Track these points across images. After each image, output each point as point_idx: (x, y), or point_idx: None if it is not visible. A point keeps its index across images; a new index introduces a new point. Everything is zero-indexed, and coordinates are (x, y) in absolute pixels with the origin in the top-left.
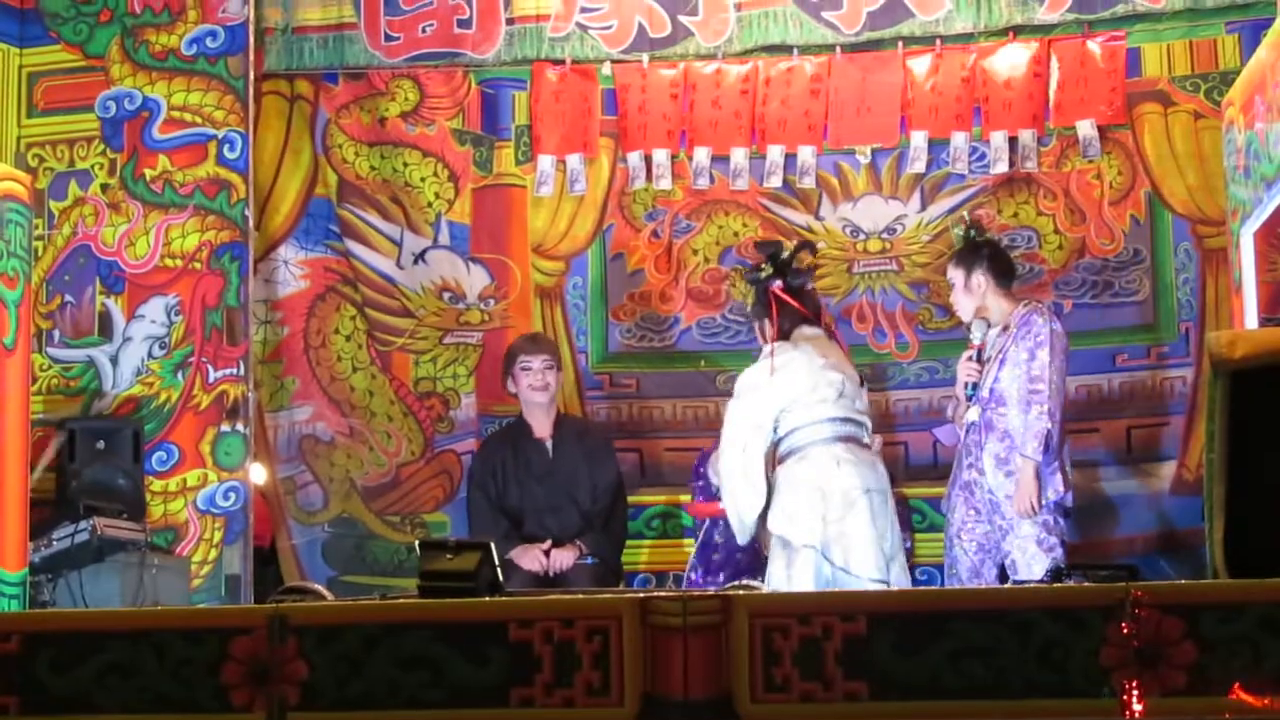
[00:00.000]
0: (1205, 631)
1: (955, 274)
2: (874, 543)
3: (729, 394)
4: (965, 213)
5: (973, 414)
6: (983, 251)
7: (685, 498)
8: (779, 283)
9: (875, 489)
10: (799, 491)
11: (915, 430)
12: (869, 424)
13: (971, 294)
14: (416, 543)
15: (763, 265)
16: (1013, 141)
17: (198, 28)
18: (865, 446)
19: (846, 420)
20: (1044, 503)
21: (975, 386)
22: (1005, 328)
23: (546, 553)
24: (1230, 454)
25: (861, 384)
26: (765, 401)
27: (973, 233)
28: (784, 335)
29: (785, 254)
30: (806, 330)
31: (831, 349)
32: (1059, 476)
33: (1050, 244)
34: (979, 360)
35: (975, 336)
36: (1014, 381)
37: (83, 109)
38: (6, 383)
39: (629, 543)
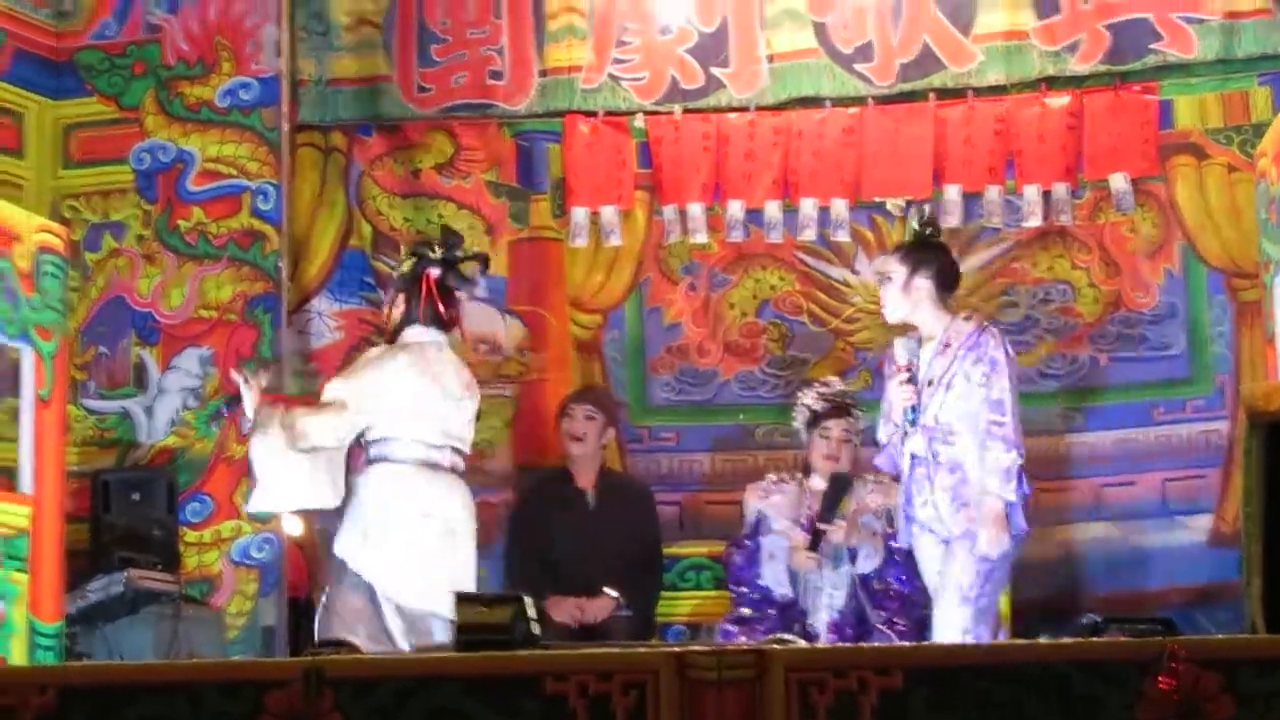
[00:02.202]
0: (1243, 686)
1: (896, 269)
2: (429, 573)
3: (769, 447)
4: (925, 208)
5: (917, 444)
6: (934, 253)
7: (722, 549)
8: (436, 271)
9: (439, 515)
10: (358, 506)
11: None
12: (460, 447)
13: (908, 296)
14: (452, 594)
15: (433, 247)
16: (1046, 194)
17: (231, 80)
18: (449, 470)
19: (430, 444)
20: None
21: (915, 411)
22: (946, 345)
23: (581, 605)
24: (1267, 507)
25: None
26: (357, 388)
27: (929, 230)
28: (404, 323)
29: (461, 252)
30: (422, 333)
31: (442, 361)
32: (1021, 513)
33: (1085, 298)
34: (914, 382)
35: (901, 357)
36: (965, 410)
37: (117, 161)
38: (43, 434)
39: (665, 594)
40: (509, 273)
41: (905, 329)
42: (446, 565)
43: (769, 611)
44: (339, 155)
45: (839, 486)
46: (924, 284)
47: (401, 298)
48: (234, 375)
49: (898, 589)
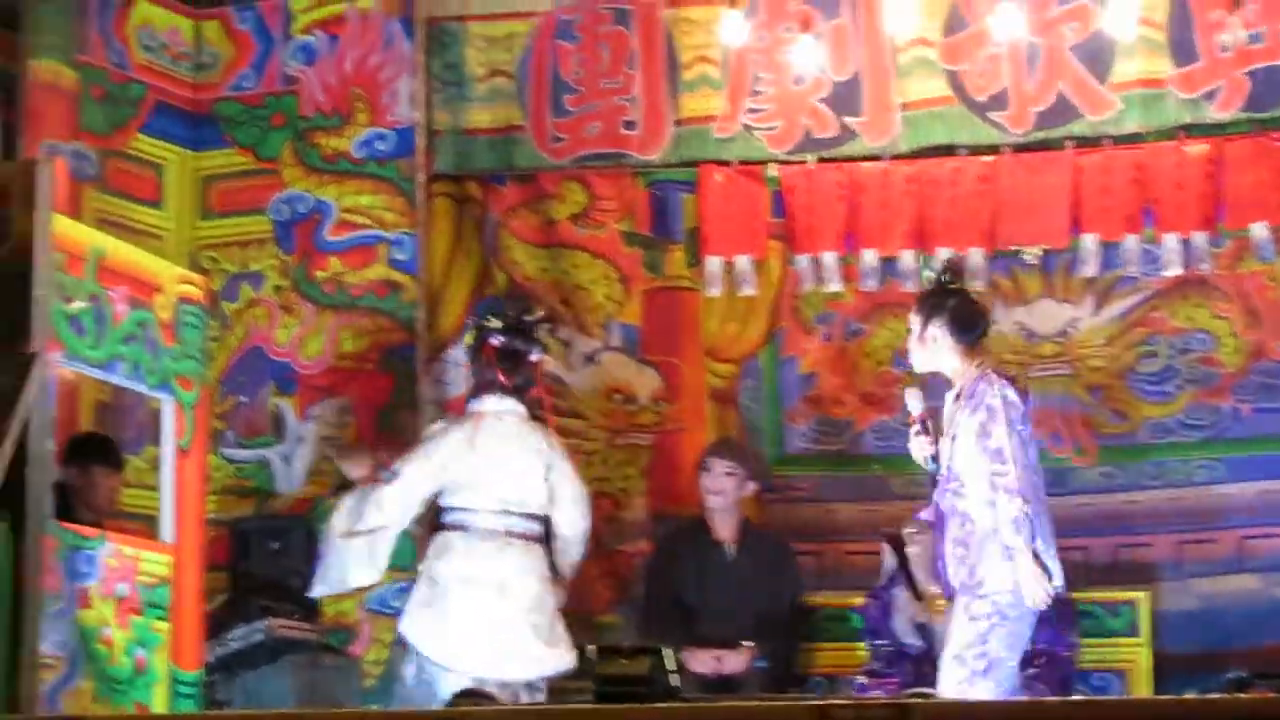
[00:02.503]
0: None
1: (914, 319)
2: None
3: (907, 497)
4: (950, 255)
5: (940, 495)
6: (948, 300)
7: (861, 600)
8: (501, 339)
9: (486, 579)
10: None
11: (1095, 536)
12: (517, 509)
13: (924, 346)
14: (592, 647)
15: (493, 316)
16: (1185, 243)
17: (368, 130)
18: (504, 535)
19: (488, 511)
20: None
21: (934, 462)
22: (958, 395)
23: (719, 656)
24: None
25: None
26: (416, 465)
27: (945, 276)
28: (470, 394)
29: (530, 316)
30: (487, 403)
31: (500, 430)
32: (1057, 563)
33: (1226, 347)
34: (927, 431)
35: (914, 408)
36: (969, 458)
37: (256, 211)
38: (183, 483)
39: (803, 645)
40: (643, 322)
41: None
42: (489, 627)
43: (903, 664)
44: (474, 205)
45: None
46: (937, 332)
47: (468, 370)
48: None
49: (1041, 647)
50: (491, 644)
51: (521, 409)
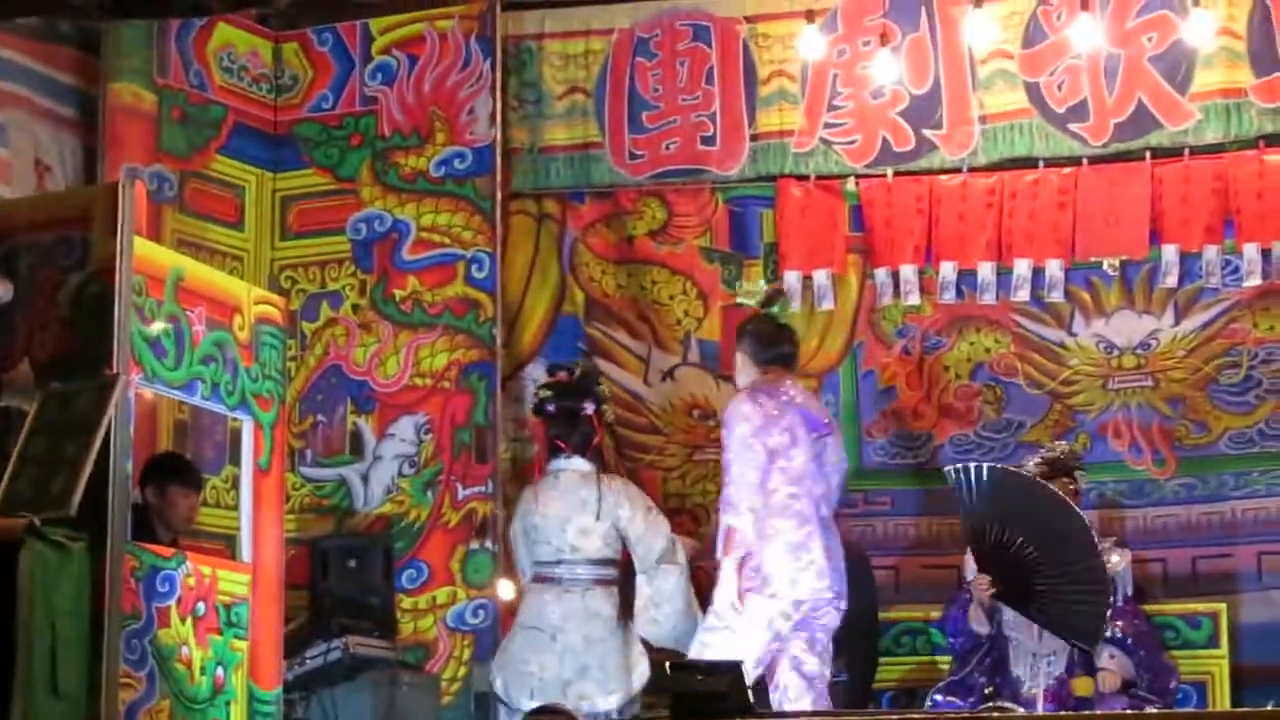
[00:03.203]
0: None
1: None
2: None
3: None
4: (767, 283)
5: None
6: (748, 324)
7: (938, 613)
8: (553, 406)
9: (541, 625)
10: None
11: (1174, 547)
12: (570, 557)
13: (739, 373)
14: (667, 664)
15: (541, 389)
16: (1266, 253)
17: (446, 149)
18: (557, 582)
19: (557, 563)
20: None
21: None
22: None
23: None
24: None
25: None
26: (512, 529)
27: (762, 301)
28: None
29: (575, 373)
30: (556, 463)
31: (557, 486)
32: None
33: None
34: None
35: None
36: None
37: (334, 231)
38: (262, 503)
39: (880, 659)
40: (722, 338)
41: None
42: (538, 669)
43: (979, 654)
44: (552, 223)
45: None
46: (740, 356)
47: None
48: None
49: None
50: (540, 685)
51: (582, 464)
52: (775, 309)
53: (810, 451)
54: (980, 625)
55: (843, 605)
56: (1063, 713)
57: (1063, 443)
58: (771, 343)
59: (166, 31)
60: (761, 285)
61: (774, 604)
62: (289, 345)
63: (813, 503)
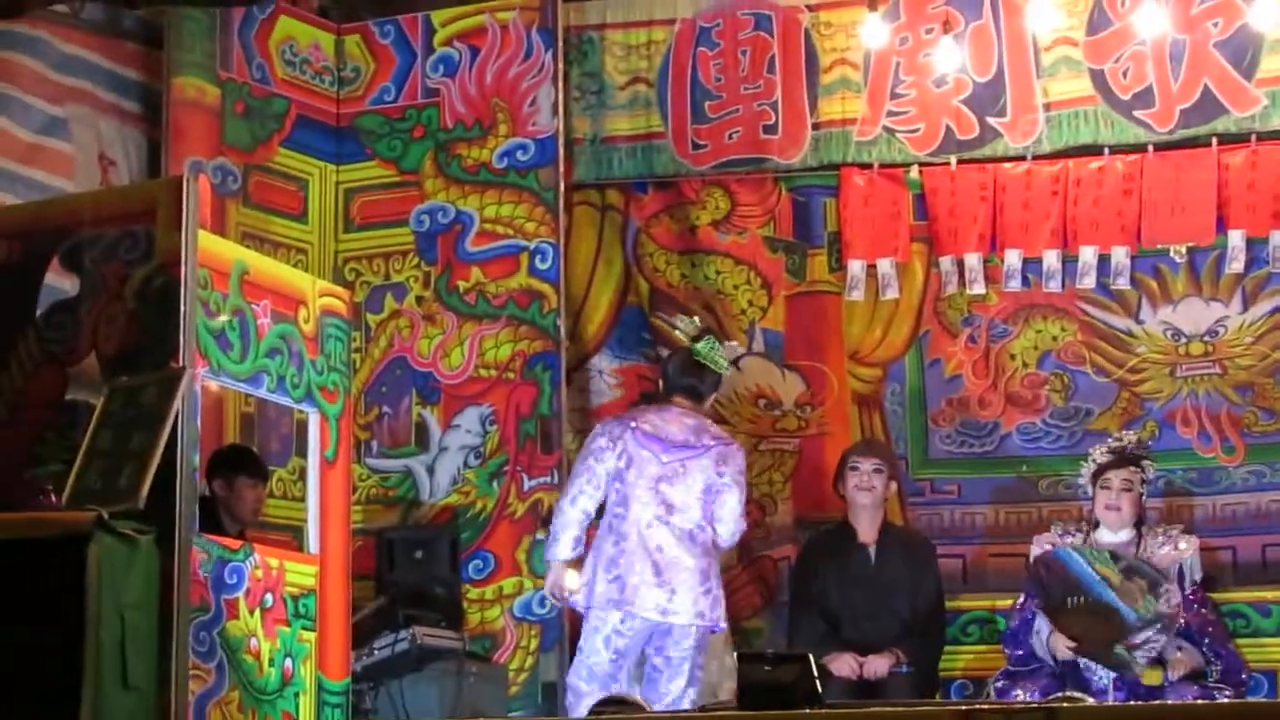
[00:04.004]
0: None
1: None
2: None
3: (1053, 498)
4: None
5: None
6: (669, 356)
7: (1005, 603)
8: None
9: None
10: None
11: (1243, 535)
12: None
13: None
14: (735, 653)
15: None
16: None
17: (508, 141)
18: None
19: None
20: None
21: None
22: None
23: (861, 660)
24: None
25: None
26: None
27: (687, 332)
28: None
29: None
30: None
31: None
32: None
33: None
34: None
35: None
36: None
37: (398, 223)
38: (329, 494)
39: (946, 648)
40: (786, 327)
41: None
42: None
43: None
44: (615, 213)
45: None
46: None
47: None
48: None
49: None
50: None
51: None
52: (701, 345)
53: (655, 475)
54: (1048, 656)
55: (691, 622)
56: (1134, 702)
57: (1130, 432)
58: (680, 374)
59: (229, 25)
60: (695, 322)
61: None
62: (354, 337)
63: (638, 523)
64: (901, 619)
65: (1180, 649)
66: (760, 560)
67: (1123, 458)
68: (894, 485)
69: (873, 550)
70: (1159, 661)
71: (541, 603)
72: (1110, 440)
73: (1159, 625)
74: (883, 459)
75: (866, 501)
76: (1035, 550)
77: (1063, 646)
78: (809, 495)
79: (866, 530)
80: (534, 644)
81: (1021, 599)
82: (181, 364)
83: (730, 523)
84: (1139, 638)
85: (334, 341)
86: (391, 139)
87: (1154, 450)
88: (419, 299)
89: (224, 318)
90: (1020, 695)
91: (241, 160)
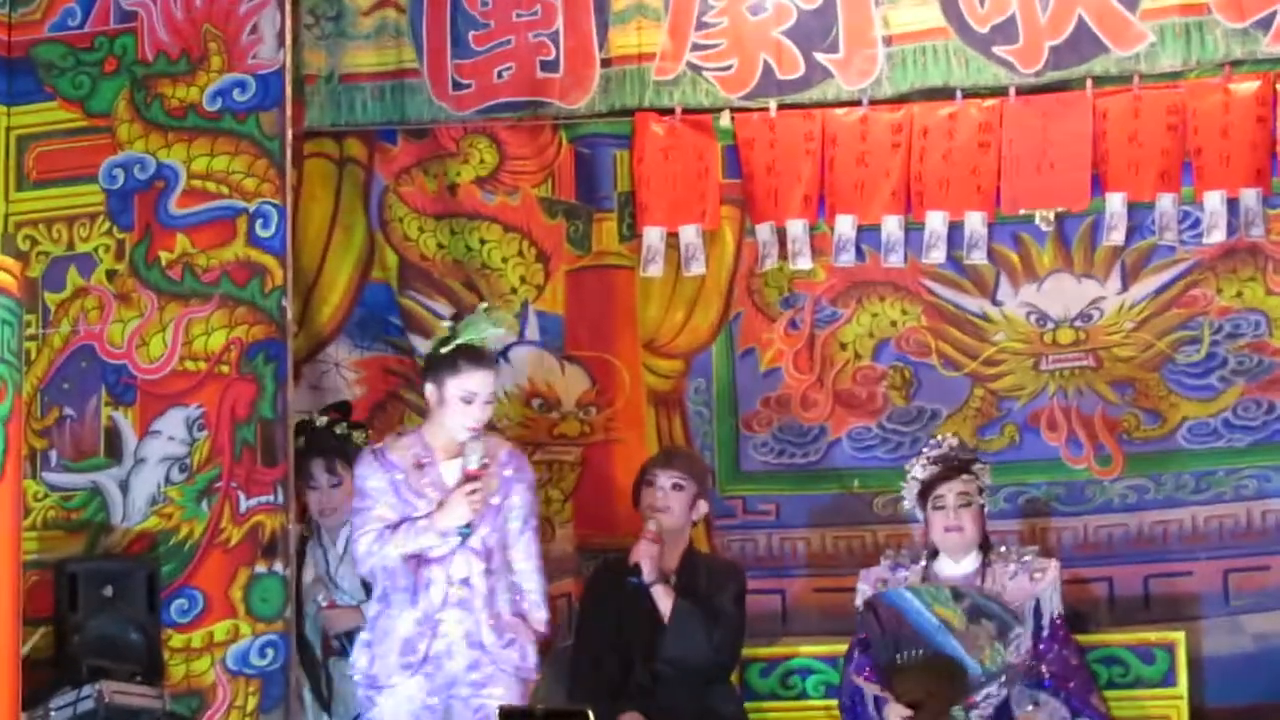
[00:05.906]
0: None
1: None
2: None
3: (890, 519)
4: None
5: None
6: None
7: (833, 649)
8: None
9: None
10: None
11: (1121, 564)
12: None
13: None
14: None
15: None
16: (1233, 204)
17: (223, 78)
18: None
19: None
20: None
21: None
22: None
23: None
24: None
25: None
26: None
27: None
28: None
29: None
30: None
31: None
32: None
33: None
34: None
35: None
36: None
37: (84, 179)
38: None
39: (761, 705)
40: (566, 310)
41: None
42: None
43: None
44: (356, 168)
45: None
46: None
47: None
48: None
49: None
50: None
51: None
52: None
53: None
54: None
55: None
56: None
57: (951, 439)
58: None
59: None
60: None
61: None
62: (27, 321)
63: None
64: (698, 670)
65: (1035, 704)
66: None
67: (951, 466)
68: (703, 506)
69: (671, 583)
70: None
71: (261, 652)
72: (926, 450)
73: (1003, 679)
74: (686, 473)
75: (665, 524)
76: (863, 590)
77: (896, 718)
78: (594, 517)
79: (666, 559)
80: (252, 703)
81: (852, 656)
82: None
83: None
84: (980, 694)
85: (2, 326)
86: (77, 74)
87: (1014, 461)
88: (110, 274)
89: None
90: None
91: None
